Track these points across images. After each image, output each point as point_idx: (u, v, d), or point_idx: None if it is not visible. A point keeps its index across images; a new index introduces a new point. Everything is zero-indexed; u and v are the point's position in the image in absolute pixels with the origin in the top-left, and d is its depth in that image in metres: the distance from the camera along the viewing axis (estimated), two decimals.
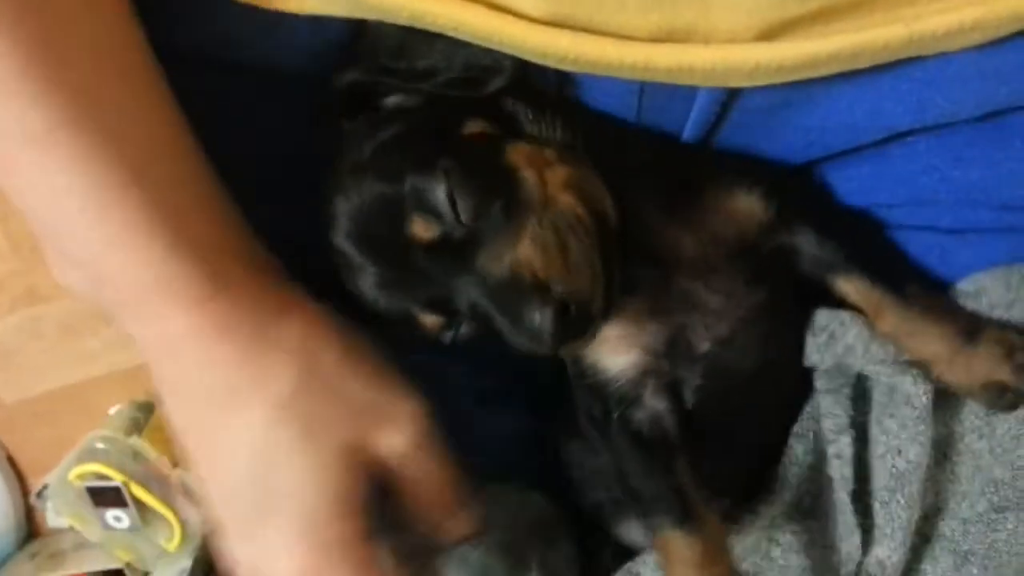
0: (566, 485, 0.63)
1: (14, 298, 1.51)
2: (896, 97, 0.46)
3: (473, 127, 0.46)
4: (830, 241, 0.51)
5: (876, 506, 0.53)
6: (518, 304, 0.41)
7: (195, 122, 0.44)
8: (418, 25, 0.42)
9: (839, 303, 0.52)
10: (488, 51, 0.44)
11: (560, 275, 0.41)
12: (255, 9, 0.44)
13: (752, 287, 0.50)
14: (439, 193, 0.43)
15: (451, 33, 0.42)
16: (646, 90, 0.47)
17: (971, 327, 0.50)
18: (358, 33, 0.47)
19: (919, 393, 0.49)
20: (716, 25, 0.40)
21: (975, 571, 0.55)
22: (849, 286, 0.51)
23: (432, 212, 0.43)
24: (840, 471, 0.53)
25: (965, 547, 0.55)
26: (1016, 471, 0.53)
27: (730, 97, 0.46)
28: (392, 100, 0.49)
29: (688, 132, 0.50)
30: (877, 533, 0.53)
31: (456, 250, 0.44)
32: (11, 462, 1.61)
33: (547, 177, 0.44)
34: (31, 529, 1.65)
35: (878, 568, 0.53)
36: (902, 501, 0.52)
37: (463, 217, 0.43)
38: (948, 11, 0.39)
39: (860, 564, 0.53)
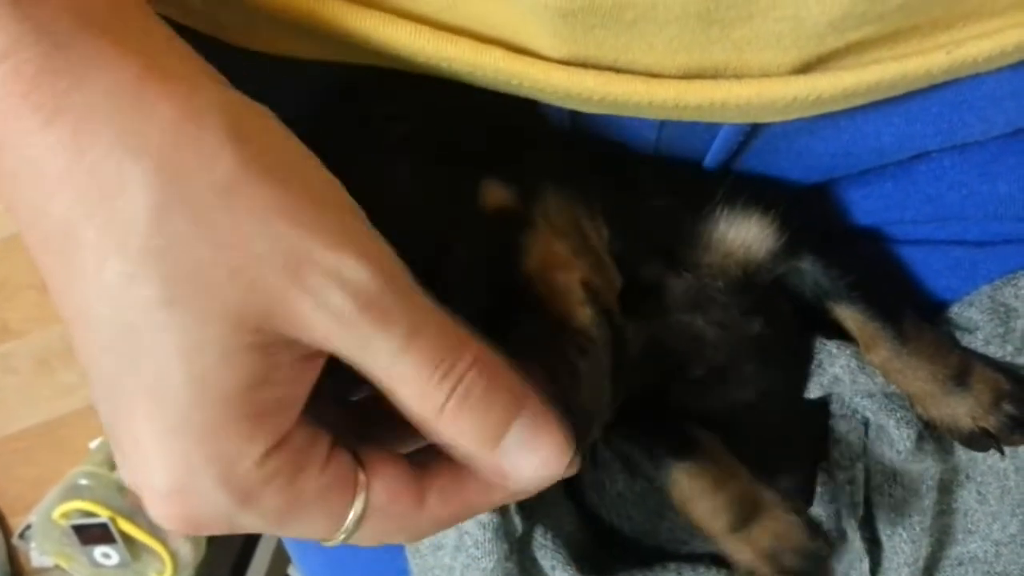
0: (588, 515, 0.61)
1: None
2: (926, 119, 0.44)
3: (488, 196, 0.43)
4: (835, 268, 0.50)
5: (883, 539, 0.52)
6: None
7: None
8: (434, 72, 0.39)
9: (836, 330, 0.51)
10: None
11: (567, 404, 0.39)
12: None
13: (748, 318, 0.49)
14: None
15: (467, 78, 0.39)
16: (666, 124, 0.45)
17: (963, 368, 0.49)
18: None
19: (903, 438, 0.49)
20: (748, 63, 0.38)
21: None
22: (846, 314, 0.50)
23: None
24: (852, 497, 0.52)
25: (999, 568, 0.54)
26: None
27: (754, 127, 0.45)
28: (393, 130, 0.46)
29: (708, 161, 0.48)
30: (884, 565, 0.52)
31: None
32: None
33: (562, 286, 0.41)
34: (15, 570, 1.61)
35: None
36: (904, 535, 0.51)
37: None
38: (989, 35, 0.38)
39: None
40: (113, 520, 1.38)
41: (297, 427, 0.32)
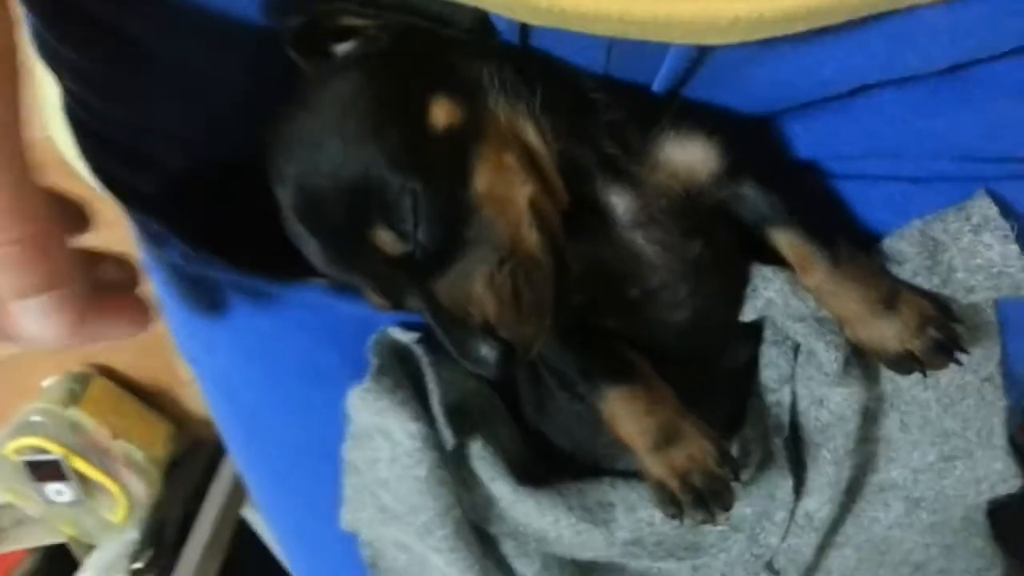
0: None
1: None
2: (866, 52, 0.46)
3: (439, 112, 0.44)
4: (773, 194, 0.51)
5: (807, 460, 0.54)
6: (464, 336, 0.42)
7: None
8: None
9: (773, 255, 0.52)
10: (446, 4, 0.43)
11: (510, 323, 0.42)
12: None
13: (688, 239, 0.50)
14: (406, 215, 0.42)
15: None
16: (615, 46, 0.46)
17: (892, 293, 0.51)
18: None
19: (831, 360, 0.51)
20: None
21: (924, 515, 0.58)
22: (782, 238, 0.52)
23: (397, 230, 0.42)
24: (778, 419, 0.54)
25: (916, 494, 0.57)
26: (966, 421, 0.55)
27: (701, 53, 0.46)
28: (345, 47, 0.46)
29: (657, 86, 0.49)
30: (808, 486, 0.55)
31: (414, 268, 0.44)
32: None
33: (511, 203, 0.44)
34: None
35: (806, 520, 0.55)
36: (828, 456, 0.53)
37: (424, 241, 0.43)
38: None
39: (792, 512, 0.55)
40: (66, 457, 1.37)
41: None
